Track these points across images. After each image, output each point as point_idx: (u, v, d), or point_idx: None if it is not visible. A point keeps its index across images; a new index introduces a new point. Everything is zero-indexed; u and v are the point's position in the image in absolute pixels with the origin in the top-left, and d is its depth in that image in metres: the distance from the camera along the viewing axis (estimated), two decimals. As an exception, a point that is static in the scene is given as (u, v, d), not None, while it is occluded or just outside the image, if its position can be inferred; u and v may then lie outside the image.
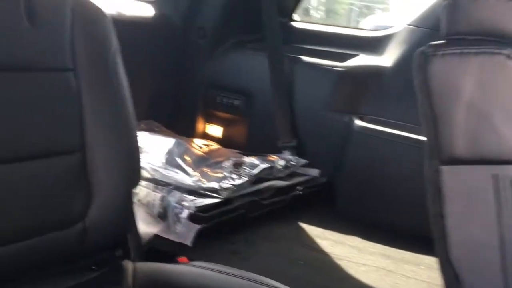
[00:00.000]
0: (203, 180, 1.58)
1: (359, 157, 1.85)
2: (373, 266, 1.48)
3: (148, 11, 2.20)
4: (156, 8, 2.21)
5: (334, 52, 2.07)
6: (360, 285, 1.36)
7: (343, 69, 1.96)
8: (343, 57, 2.01)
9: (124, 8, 2.10)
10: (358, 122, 1.86)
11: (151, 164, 1.61)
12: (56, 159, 1.09)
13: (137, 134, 1.26)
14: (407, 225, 1.65)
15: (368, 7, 4.66)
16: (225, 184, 1.55)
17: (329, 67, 1.98)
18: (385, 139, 1.78)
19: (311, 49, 2.12)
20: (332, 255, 1.51)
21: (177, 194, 1.47)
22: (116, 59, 1.22)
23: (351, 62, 1.98)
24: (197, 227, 1.41)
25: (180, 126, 2.24)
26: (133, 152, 1.23)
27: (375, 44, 2.03)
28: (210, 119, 2.29)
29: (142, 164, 1.56)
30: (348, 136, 1.88)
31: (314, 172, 1.94)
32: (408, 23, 1.93)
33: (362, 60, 2.00)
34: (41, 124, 1.06)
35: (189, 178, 1.57)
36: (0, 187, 0.98)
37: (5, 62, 1.03)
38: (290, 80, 2.05)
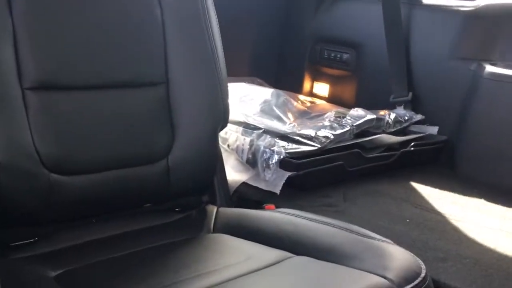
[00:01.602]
0: (299, 127, 1.43)
1: (487, 111, 1.56)
2: (501, 229, 1.22)
3: (252, -39, 2.09)
4: (260, -43, 2.09)
5: (461, -8, 1.78)
6: (479, 248, 1.11)
7: (472, 9, 1.67)
8: (472, -3, 1.72)
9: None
10: (489, 68, 1.57)
11: (245, 111, 1.51)
12: (141, 90, 1.08)
13: (225, 73, 1.18)
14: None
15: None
16: (323, 132, 1.39)
17: (455, 8, 1.70)
18: (522, 86, 1.47)
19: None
20: (448, 216, 1.27)
21: (267, 138, 1.34)
22: None
23: (482, 1, 1.68)
24: (287, 174, 1.27)
25: (286, 84, 2.12)
26: (220, 92, 1.16)
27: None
28: (317, 76, 2.12)
29: (234, 111, 1.48)
30: (476, 86, 1.59)
31: (432, 129, 1.68)
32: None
33: (496, -2, 1.68)
34: (127, 51, 1.05)
35: (284, 125, 1.43)
36: (89, 113, 0.99)
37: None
38: (406, 28, 1.81)
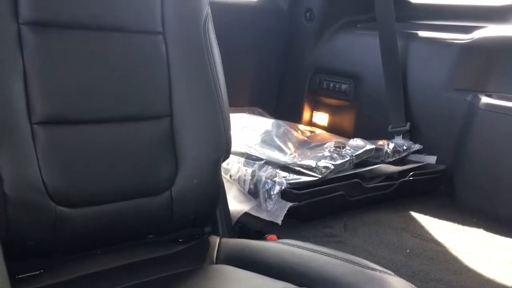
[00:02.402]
0: (299, 158, 1.45)
1: (484, 140, 1.58)
2: (499, 260, 1.22)
3: (254, -5, 2.15)
4: (261, -9, 2.15)
5: (456, 25, 1.83)
6: (480, 279, 1.12)
7: (468, 41, 1.71)
8: (467, 30, 1.76)
9: (230, -8, 2.08)
10: (485, 100, 1.60)
11: (246, 142, 1.53)
12: (146, 123, 1.10)
13: (227, 105, 1.21)
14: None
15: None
16: (323, 162, 1.41)
17: (451, 41, 1.74)
18: (518, 117, 1.50)
19: (430, 24, 1.90)
20: (448, 246, 1.28)
21: (268, 169, 1.36)
22: (208, 25, 1.17)
23: (477, 34, 1.73)
24: (288, 204, 1.29)
25: (286, 113, 2.15)
26: (223, 124, 1.18)
27: (507, 14, 1.75)
28: (316, 106, 2.16)
29: (236, 142, 1.51)
30: (472, 116, 1.62)
31: (430, 158, 1.71)
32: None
33: (490, 31, 1.73)
34: (133, 86, 1.08)
35: (285, 156, 1.46)
36: (95, 147, 1.01)
37: (96, 22, 1.05)
38: (404, 59, 1.85)
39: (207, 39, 1.18)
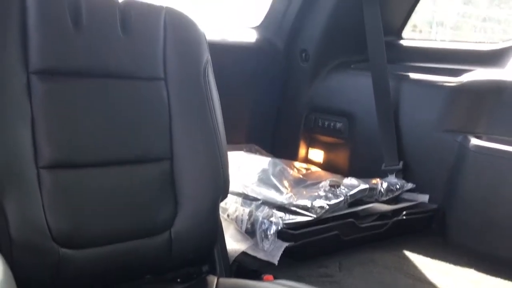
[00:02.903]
0: (295, 198, 1.49)
1: (475, 180, 1.63)
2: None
3: (251, 36, 2.22)
4: (259, 33, 2.23)
5: (446, 68, 1.90)
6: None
7: (457, 84, 1.77)
8: (457, 73, 1.83)
9: (228, 33, 2.15)
10: (474, 141, 1.65)
11: (243, 181, 1.57)
12: (147, 165, 1.13)
13: (226, 147, 1.25)
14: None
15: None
16: (319, 202, 1.45)
17: (441, 83, 1.81)
18: (506, 159, 1.54)
19: (421, 66, 1.97)
20: (440, 287, 1.31)
21: (265, 210, 1.39)
22: (207, 71, 1.22)
23: (466, 77, 1.79)
24: (284, 244, 1.31)
25: (282, 150, 2.20)
26: (221, 165, 1.22)
27: (494, 58, 1.82)
28: (312, 143, 2.21)
29: (234, 181, 1.54)
30: (463, 157, 1.67)
31: (423, 197, 1.74)
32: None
33: (479, 74, 1.79)
34: (136, 130, 1.12)
35: (281, 195, 1.49)
36: (99, 189, 1.05)
37: (101, 69, 1.10)
38: (396, 99, 1.91)
39: (206, 83, 1.22)
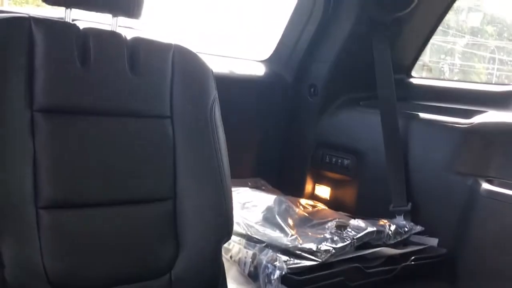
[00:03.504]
0: (300, 240, 1.45)
1: (487, 226, 1.58)
2: None
3: (259, 69, 2.22)
4: (267, 66, 2.22)
5: (457, 108, 1.88)
6: None
7: (468, 126, 1.74)
8: (468, 114, 1.80)
9: (236, 67, 2.15)
10: (486, 186, 1.61)
11: (247, 220, 1.53)
12: (150, 205, 1.11)
13: (230, 187, 1.23)
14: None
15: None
16: (324, 246, 1.40)
17: (451, 124, 1.78)
18: (519, 206, 1.50)
19: (431, 105, 1.94)
20: None
21: (269, 253, 1.35)
22: (214, 109, 1.21)
23: (478, 119, 1.76)
24: (288, 291, 1.27)
25: (288, 185, 2.16)
26: (225, 206, 1.20)
27: (507, 99, 1.80)
28: (319, 179, 2.17)
29: (237, 219, 1.51)
30: (473, 201, 1.63)
31: (432, 241, 1.70)
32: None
33: (491, 116, 1.76)
34: (139, 169, 1.10)
35: (286, 237, 1.45)
36: (98, 231, 1.04)
37: (106, 108, 1.09)
38: (405, 139, 1.88)
39: (213, 121, 1.21)
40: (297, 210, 1.73)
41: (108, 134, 1.09)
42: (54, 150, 1.01)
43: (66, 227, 1.01)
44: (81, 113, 1.05)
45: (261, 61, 2.23)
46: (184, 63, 1.20)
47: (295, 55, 2.17)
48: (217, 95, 1.24)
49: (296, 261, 1.34)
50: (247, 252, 1.38)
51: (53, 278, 0.97)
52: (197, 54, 1.24)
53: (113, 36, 1.11)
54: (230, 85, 1.85)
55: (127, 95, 1.12)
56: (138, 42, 1.14)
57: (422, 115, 1.90)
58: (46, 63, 1.00)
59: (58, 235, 1.00)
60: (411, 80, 2.16)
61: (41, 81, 1.01)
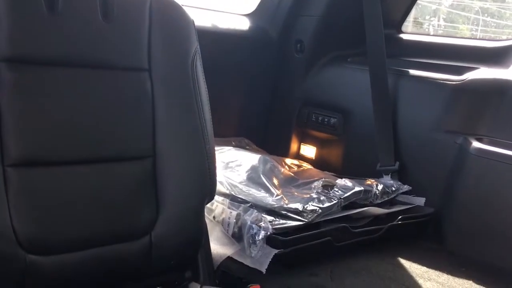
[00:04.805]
0: (286, 200, 1.41)
1: (475, 185, 1.56)
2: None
3: (243, 24, 2.12)
4: (252, 21, 2.13)
5: (448, 65, 1.82)
6: None
7: (459, 83, 1.69)
8: (459, 71, 1.75)
9: (219, 20, 2.05)
10: (476, 144, 1.58)
11: (231, 179, 1.48)
12: (127, 163, 1.05)
13: (213, 145, 1.17)
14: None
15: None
16: (311, 205, 1.37)
17: (442, 81, 1.72)
18: (508, 164, 1.47)
19: (421, 62, 1.88)
20: (437, 301, 1.24)
21: (254, 213, 1.31)
22: (196, 63, 1.14)
23: (469, 76, 1.71)
24: (273, 251, 1.24)
25: (273, 145, 2.12)
26: (208, 164, 1.14)
27: (499, 56, 1.74)
28: (304, 138, 2.13)
29: (221, 179, 1.45)
30: (462, 160, 1.60)
31: (419, 200, 1.67)
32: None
33: (482, 73, 1.71)
34: (115, 125, 1.03)
35: (271, 197, 1.41)
36: (71, 190, 0.96)
37: (77, 58, 1.01)
38: (394, 96, 1.83)
39: (194, 76, 1.14)
40: (282, 169, 1.68)
41: (79, 87, 1.00)
42: (19, 103, 0.92)
43: (36, 186, 0.94)
44: (48, 64, 0.96)
45: (245, 15, 2.13)
46: (163, 12, 1.11)
47: (281, 8, 2.08)
48: (198, 47, 1.16)
49: (281, 221, 1.31)
50: (231, 212, 1.34)
51: (23, 241, 0.90)
52: (177, 2, 1.15)
53: (83, -21, 1.01)
54: (211, 40, 1.76)
55: (99, 45, 1.03)
56: (112, -13, 1.04)
57: (412, 71, 1.84)
58: (8, 9, 0.91)
59: (28, 195, 0.93)
60: (401, 35, 2.08)
61: (4, 27, 0.91)
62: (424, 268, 1.42)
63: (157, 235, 1.06)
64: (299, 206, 1.35)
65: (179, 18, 1.14)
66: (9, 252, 0.88)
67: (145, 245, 1.04)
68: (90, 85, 1.02)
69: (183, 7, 1.16)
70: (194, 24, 1.17)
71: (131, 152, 1.06)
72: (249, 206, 1.35)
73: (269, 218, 1.30)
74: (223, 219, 1.35)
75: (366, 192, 1.55)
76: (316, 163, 2.01)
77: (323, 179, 1.59)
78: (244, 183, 1.47)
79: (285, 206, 1.34)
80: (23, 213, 0.91)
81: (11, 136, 0.91)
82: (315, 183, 1.55)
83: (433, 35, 2.23)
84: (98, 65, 1.04)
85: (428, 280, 1.35)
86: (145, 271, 1.05)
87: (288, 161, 1.84)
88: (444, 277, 1.37)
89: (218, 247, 1.31)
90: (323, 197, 1.43)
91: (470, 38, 2.14)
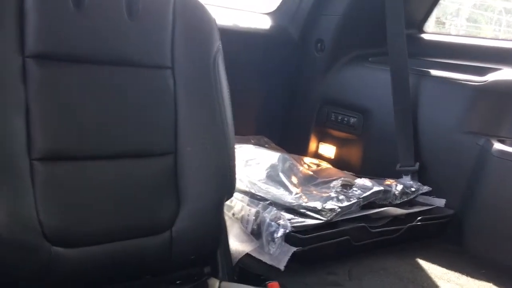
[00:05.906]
0: (305, 198, 1.41)
1: (496, 187, 1.54)
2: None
3: (264, 22, 2.13)
4: (272, 19, 2.13)
5: (470, 66, 1.80)
6: None
7: (481, 84, 1.67)
8: (481, 72, 1.73)
9: (240, 19, 2.06)
10: (498, 146, 1.56)
11: (250, 177, 1.49)
12: (149, 159, 1.07)
13: (234, 143, 1.18)
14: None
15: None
16: (330, 204, 1.37)
17: (464, 82, 1.71)
18: (531, 167, 1.46)
19: (443, 62, 1.86)
20: (457, 303, 1.23)
21: (273, 211, 1.32)
22: (217, 61, 1.15)
23: (492, 77, 1.69)
24: (292, 249, 1.24)
25: (292, 144, 2.12)
26: (228, 161, 1.15)
27: (522, 56, 1.72)
28: (323, 138, 2.12)
29: (240, 177, 1.46)
30: (484, 161, 1.58)
31: (439, 201, 1.66)
32: None
33: (505, 74, 1.69)
34: (138, 122, 1.05)
35: (290, 195, 1.41)
36: (95, 184, 0.98)
37: (103, 55, 1.02)
38: (415, 96, 1.82)
39: (216, 74, 1.15)
40: (301, 168, 1.69)
41: (104, 83, 1.02)
42: (47, 99, 0.95)
43: (61, 179, 0.96)
44: (75, 60, 0.99)
45: (267, 14, 2.14)
46: (186, 10, 1.12)
47: (302, 8, 2.08)
48: (220, 45, 1.17)
49: (300, 219, 1.31)
50: (250, 209, 1.35)
51: (48, 233, 0.93)
52: (200, 1, 1.16)
53: (109, -23, 1.03)
54: (232, 38, 1.76)
55: (124, 42, 1.05)
56: (137, -15, 1.06)
57: (434, 72, 1.82)
58: (37, 4, 0.93)
59: (54, 188, 0.95)
60: (423, 35, 2.07)
61: (33, 24, 0.94)
62: (444, 270, 1.41)
63: (178, 231, 1.07)
64: (318, 204, 1.35)
65: (202, 17, 1.16)
66: (35, 243, 0.90)
67: (165, 240, 1.05)
68: (114, 82, 1.04)
69: (205, 6, 1.18)
70: (216, 23, 1.18)
71: (153, 149, 1.08)
72: (268, 204, 1.36)
73: (288, 216, 1.31)
74: (242, 216, 1.36)
75: (385, 192, 1.54)
76: (335, 162, 2.01)
77: (342, 179, 1.59)
78: (263, 181, 1.48)
79: (304, 204, 1.35)
80: (48, 205, 0.93)
81: (38, 131, 0.94)
82: (334, 182, 1.55)
83: (455, 35, 2.20)
84: (122, 62, 1.05)
85: (448, 281, 1.34)
86: (165, 266, 1.07)
87: (307, 160, 1.84)
88: (463, 279, 1.36)
89: (237, 244, 1.32)
90: (342, 196, 1.43)
91: (493, 39, 2.10)
